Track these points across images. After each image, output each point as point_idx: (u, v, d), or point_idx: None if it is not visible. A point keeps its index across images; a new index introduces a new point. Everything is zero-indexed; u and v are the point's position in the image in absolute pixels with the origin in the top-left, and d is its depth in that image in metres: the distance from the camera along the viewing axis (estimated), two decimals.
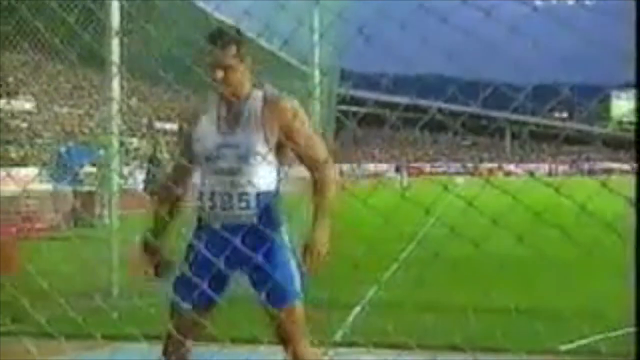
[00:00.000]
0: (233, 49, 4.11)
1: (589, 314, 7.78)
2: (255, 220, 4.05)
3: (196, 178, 4.36)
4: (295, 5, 9.39)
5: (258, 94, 4.17)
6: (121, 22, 9.46)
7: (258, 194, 4.07)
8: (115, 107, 9.82)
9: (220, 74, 4.08)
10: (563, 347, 6.72)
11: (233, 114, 4.15)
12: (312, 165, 4.15)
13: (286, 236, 4.18)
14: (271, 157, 4.09)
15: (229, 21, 4.56)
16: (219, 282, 4.12)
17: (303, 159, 4.17)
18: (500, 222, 3.72)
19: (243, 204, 4.07)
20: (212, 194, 4.12)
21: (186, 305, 4.09)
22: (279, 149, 4.13)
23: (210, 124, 4.19)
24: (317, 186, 4.13)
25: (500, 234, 4.11)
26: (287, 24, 6.82)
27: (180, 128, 4.40)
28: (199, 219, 4.24)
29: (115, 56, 9.29)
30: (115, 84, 9.57)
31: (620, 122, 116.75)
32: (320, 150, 4.18)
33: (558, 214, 3.67)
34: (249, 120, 4.10)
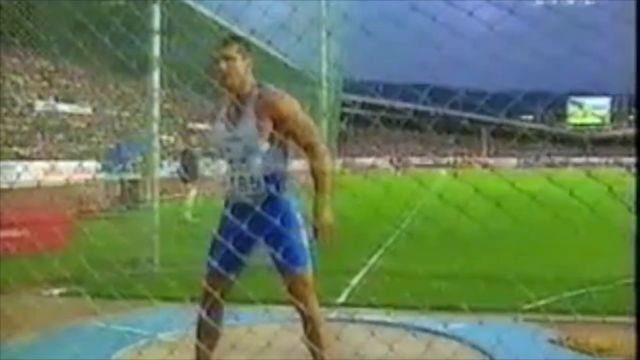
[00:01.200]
0: (236, 46, 4.17)
1: (546, 278, 7.83)
2: (266, 198, 4.10)
3: (222, 167, 4.42)
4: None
5: (256, 92, 4.18)
6: (161, 32, 9.57)
7: (266, 177, 4.11)
8: (156, 111, 9.90)
9: (223, 64, 4.11)
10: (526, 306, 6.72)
11: (236, 111, 4.18)
12: (309, 147, 4.12)
13: (296, 211, 4.19)
14: (267, 146, 4.11)
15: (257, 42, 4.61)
16: (242, 248, 4.16)
17: (300, 142, 4.15)
18: (468, 208, 3.76)
19: (254, 185, 4.12)
20: (232, 179, 4.20)
21: (217, 265, 4.15)
22: (280, 139, 4.13)
23: (221, 122, 4.26)
24: (315, 167, 4.11)
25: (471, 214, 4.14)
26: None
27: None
28: (226, 200, 4.29)
29: (156, 60, 9.40)
30: (157, 88, 9.67)
31: (574, 124, 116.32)
32: (314, 134, 4.17)
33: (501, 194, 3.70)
34: (248, 115, 4.13)
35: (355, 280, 8.24)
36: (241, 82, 4.16)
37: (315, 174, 4.10)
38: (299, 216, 4.19)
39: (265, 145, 4.12)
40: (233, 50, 4.15)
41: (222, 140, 4.23)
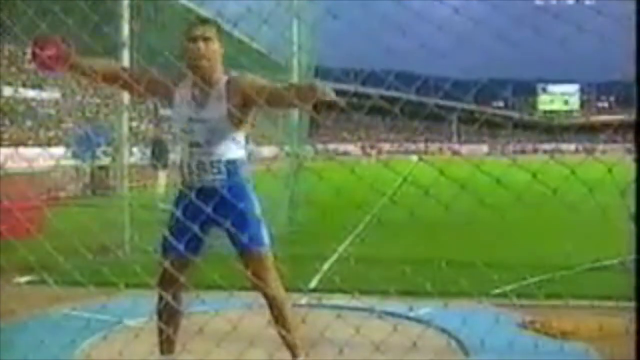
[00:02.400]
0: (213, 28, 4.15)
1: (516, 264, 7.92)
2: (226, 182, 4.11)
3: (176, 153, 4.43)
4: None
5: (224, 78, 4.16)
6: (131, 12, 9.53)
7: (227, 162, 4.12)
8: (125, 97, 9.85)
9: (201, 44, 4.07)
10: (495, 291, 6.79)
11: (203, 94, 4.14)
12: (285, 96, 4.00)
13: (252, 194, 4.22)
14: (233, 131, 4.12)
15: (225, 25, 4.59)
16: (199, 236, 4.16)
17: (277, 102, 4.14)
18: (437, 194, 3.80)
19: (215, 170, 4.13)
20: (189, 163, 4.18)
21: (174, 255, 4.17)
22: (242, 123, 4.14)
23: (184, 100, 4.19)
24: (300, 95, 3.91)
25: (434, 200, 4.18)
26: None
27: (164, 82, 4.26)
28: (183, 182, 4.27)
29: (125, 46, 9.34)
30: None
31: (544, 112, 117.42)
32: (283, 89, 4.06)
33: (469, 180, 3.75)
34: (216, 99, 4.11)
35: (325, 266, 8.27)
36: (214, 64, 4.14)
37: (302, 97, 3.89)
38: (255, 198, 4.22)
39: (231, 130, 4.12)
40: (211, 31, 4.12)
41: (186, 121, 4.17)
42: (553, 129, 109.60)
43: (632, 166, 3.48)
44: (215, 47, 4.13)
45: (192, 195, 4.14)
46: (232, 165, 4.14)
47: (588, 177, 3.53)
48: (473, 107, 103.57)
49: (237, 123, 4.12)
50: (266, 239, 4.21)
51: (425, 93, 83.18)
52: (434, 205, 4.22)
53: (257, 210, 4.21)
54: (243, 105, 4.08)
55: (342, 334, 4.53)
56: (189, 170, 4.19)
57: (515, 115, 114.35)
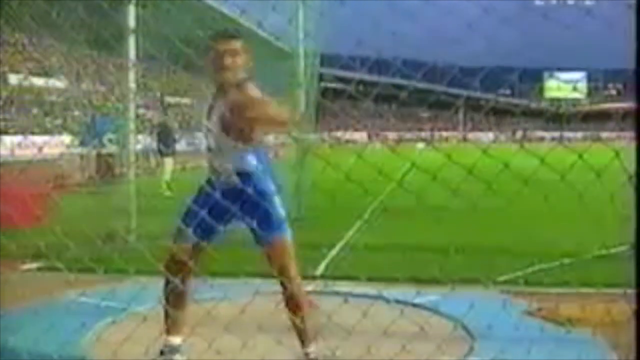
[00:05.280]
0: (239, 42, 4.27)
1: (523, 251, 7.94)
2: (240, 184, 4.17)
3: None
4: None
5: (237, 89, 4.22)
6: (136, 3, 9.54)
7: (236, 171, 4.21)
8: (132, 84, 9.86)
9: (229, 60, 4.18)
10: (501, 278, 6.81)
11: (216, 104, 4.28)
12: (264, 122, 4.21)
13: (269, 182, 4.28)
14: (232, 141, 4.17)
15: (233, 15, 4.62)
16: (217, 219, 4.23)
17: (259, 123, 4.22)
18: (444, 181, 3.82)
19: (227, 174, 4.24)
20: (210, 164, 4.35)
21: (189, 235, 4.24)
22: (242, 135, 4.17)
23: (204, 108, 4.39)
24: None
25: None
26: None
27: None
28: (208, 176, 4.38)
29: (132, 45, 9.36)
30: (133, 62, 9.63)
31: (551, 99, 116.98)
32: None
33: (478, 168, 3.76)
34: (220, 110, 4.22)
35: (333, 253, 8.30)
36: (234, 77, 4.22)
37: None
38: (272, 186, 4.27)
39: (229, 140, 4.19)
40: (238, 45, 4.24)
41: (203, 127, 4.36)
42: (560, 116, 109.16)
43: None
44: (240, 60, 4.23)
45: (215, 186, 4.27)
46: (241, 174, 4.21)
47: (595, 163, 3.55)
48: (479, 94, 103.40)
49: (235, 135, 4.16)
50: (284, 224, 4.27)
51: (432, 80, 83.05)
52: (441, 191, 4.24)
53: (274, 195, 4.26)
54: (235, 118, 4.12)
55: (349, 319, 4.56)
56: (211, 170, 4.35)
57: (522, 102, 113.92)
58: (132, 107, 10.12)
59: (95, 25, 5.16)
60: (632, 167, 3.64)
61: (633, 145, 3.18)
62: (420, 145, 38.94)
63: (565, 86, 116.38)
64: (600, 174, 3.36)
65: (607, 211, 4.51)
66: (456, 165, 3.71)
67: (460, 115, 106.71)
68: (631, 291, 5.73)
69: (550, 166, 3.43)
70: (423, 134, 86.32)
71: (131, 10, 9.49)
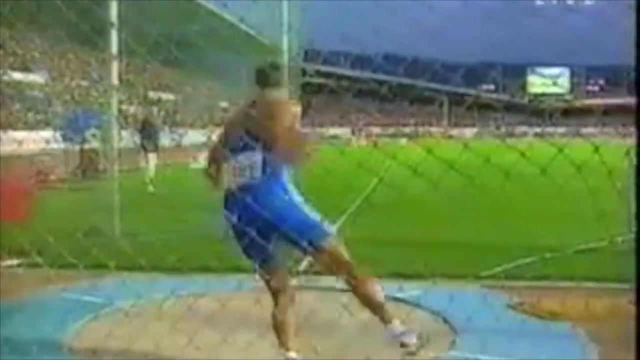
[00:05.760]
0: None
1: (507, 246, 7.97)
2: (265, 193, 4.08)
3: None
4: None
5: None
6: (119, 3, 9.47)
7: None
8: (114, 79, 9.80)
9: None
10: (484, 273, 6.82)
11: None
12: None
13: (294, 191, 4.18)
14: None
15: (214, 7, 4.59)
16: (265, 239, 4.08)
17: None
18: (428, 177, 3.82)
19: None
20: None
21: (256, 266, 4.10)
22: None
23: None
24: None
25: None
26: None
27: None
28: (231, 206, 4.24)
29: (114, 30, 9.30)
30: (115, 58, 9.57)
31: (534, 94, 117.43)
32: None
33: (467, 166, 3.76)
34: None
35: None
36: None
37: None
38: (297, 194, 4.18)
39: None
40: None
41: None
42: (543, 111, 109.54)
43: (622, 148, 3.51)
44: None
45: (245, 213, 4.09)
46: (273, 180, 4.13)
47: (576, 158, 3.56)
48: (463, 89, 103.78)
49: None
50: (324, 228, 4.14)
51: (415, 75, 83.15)
52: (424, 187, 4.24)
53: (302, 202, 4.16)
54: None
55: (331, 314, 4.56)
56: (236, 190, 4.17)
57: (505, 97, 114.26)
58: (114, 102, 10.06)
59: (76, 20, 5.11)
60: (613, 160, 3.67)
61: (614, 140, 3.20)
62: (404, 141, 38.99)
63: (548, 82, 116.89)
64: (580, 169, 3.37)
65: (587, 205, 4.53)
66: (440, 161, 3.71)
67: (445, 110, 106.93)
68: (614, 285, 5.79)
69: (531, 160, 3.44)
70: (407, 130, 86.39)
71: (113, 5, 9.43)
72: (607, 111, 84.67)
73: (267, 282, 4.13)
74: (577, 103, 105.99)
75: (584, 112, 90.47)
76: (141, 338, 4.40)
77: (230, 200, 4.13)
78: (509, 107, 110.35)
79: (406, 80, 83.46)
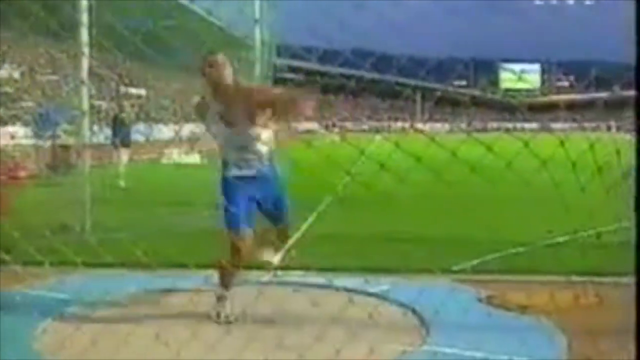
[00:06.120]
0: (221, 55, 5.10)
1: (480, 239, 8.01)
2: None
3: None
4: None
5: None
6: None
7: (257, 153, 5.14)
8: (85, 74, 9.70)
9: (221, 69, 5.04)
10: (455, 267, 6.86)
11: (218, 105, 5.13)
12: None
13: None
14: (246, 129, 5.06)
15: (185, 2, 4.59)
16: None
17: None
18: (399, 171, 3.83)
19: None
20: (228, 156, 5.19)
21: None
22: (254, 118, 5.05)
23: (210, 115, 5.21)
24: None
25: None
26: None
27: None
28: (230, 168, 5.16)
29: (84, 25, 9.21)
30: (86, 53, 9.47)
31: (505, 90, 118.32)
32: None
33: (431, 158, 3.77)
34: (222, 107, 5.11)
35: (288, 244, 8.28)
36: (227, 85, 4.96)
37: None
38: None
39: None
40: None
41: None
42: (514, 107, 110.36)
43: (586, 141, 3.55)
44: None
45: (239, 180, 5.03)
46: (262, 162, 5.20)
47: (542, 152, 3.59)
48: (435, 85, 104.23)
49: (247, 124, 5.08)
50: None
51: (387, 71, 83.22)
52: (395, 182, 4.25)
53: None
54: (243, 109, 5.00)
55: (300, 308, 4.56)
56: (233, 163, 5.13)
57: (477, 93, 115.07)
58: (85, 97, 9.97)
59: (45, 14, 5.05)
60: (577, 153, 3.71)
61: (580, 134, 3.23)
62: (378, 136, 39.10)
63: (519, 77, 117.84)
64: (546, 162, 3.40)
65: (554, 199, 4.56)
66: (408, 155, 3.72)
67: (418, 106, 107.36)
68: (579, 278, 5.85)
69: (499, 155, 3.46)
70: (380, 125, 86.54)
71: (82, 1, 9.32)
72: (576, 106, 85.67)
73: (235, 238, 4.89)
74: (548, 99, 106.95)
75: (555, 108, 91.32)
76: (108, 335, 4.37)
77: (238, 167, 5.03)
78: (481, 103, 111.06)
79: (376, 76, 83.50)
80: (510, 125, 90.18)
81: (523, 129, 79.48)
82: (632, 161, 3.66)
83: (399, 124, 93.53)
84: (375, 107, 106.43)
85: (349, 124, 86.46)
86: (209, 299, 4.73)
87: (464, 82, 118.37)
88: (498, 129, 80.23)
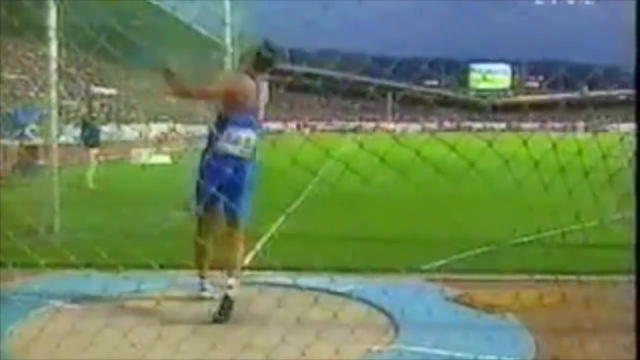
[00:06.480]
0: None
1: (447, 239, 8.06)
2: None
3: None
4: None
5: None
6: None
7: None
8: (54, 74, 9.61)
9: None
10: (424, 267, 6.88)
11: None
12: None
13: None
14: None
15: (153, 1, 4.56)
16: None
17: None
18: (369, 173, 3.83)
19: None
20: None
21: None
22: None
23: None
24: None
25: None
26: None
27: None
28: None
29: (52, 25, 9.11)
30: (54, 53, 9.38)
31: (476, 90, 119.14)
32: None
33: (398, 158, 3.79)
34: None
35: (258, 245, 8.26)
36: None
37: None
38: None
39: None
40: None
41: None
42: (484, 107, 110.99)
43: (550, 140, 3.57)
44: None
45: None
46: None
47: (506, 151, 3.61)
48: (401, 84, 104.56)
49: None
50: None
51: (359, 72, 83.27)
52: (363, 183, 4.25)
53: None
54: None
55: (265, 309, 4.55)
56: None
57: (449, 93, 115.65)
58: (54, 97, 9.86)
59: (11, 14, 5.00)
60: (541, 152, 3.74)
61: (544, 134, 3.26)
62: (349, 137, 39.13)
63: (489, 77, 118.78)
64: (508, 162, 3.43)
65: (519, 199, 4.60)
66: (381, 158, 3.73)
67: (389, 106, 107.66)
68: (542, 277, 5.91)
69: (462, 155, 3.49)
70: (351, 125, 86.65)
71: (51, 7, 9.22)
72: (544, 106, 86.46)
73: (208, 220, 5.33)
74: (516, 99, 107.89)
75: (525, 108, 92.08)
76: (74, 336, 4.32)
77: (224, 158, 5.24)
78: (452, 103, 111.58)
79: (343, 75, 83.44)
80: (480, 125, 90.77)
81: (493, 129, 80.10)
82: (595, 160, 3.71)
83: (371, 125, 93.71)
84: (347, 107, 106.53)
85: (320, 125, 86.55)
86: (175, 299, 4.71)
87: (435, 82, 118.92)
88: (469, 129, 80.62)
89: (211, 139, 5.35)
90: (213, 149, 5.30)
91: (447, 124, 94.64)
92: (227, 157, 5.25)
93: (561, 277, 5.45)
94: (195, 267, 5.48)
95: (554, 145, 3.57)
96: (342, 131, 69.66)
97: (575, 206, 4.41)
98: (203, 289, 5.49)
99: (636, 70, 2.65)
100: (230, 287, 5.08)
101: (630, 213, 2.82)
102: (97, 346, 4.30)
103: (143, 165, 20.45)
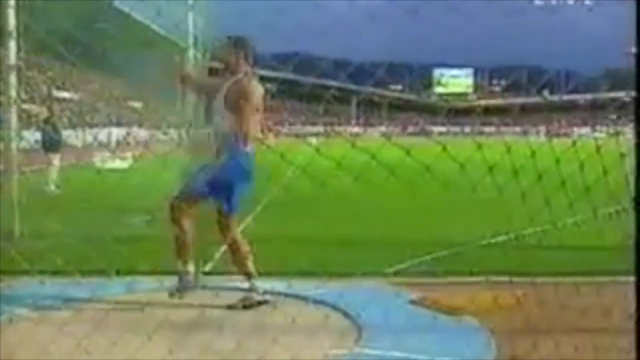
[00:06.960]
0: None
1: (407, 242, 8.09)
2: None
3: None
4: None
5: None
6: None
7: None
8: (13, 76, 9.46)
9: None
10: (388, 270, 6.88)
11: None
12: None
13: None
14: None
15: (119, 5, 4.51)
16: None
17: None
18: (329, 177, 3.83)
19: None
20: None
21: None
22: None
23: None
24: None
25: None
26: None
27: None
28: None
29: (11, 29, 8.98)
30: (13, 56, 9.25)
31: (440, 94, 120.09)
32: None
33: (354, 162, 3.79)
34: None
35: (221, 250, 8.20)
36: None
37: None
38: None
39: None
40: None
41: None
42: (445, 111, 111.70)
43: (510, 145, 3.60)
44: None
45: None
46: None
47: (460, 155, 3.63)
48: (370, 89, 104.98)
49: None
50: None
51: (322, 76, 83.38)
52: (322, 188, 4.24)
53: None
54: None
55: (224, 313, 4.51)
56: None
57: (412, 97, 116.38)
58: (12, 100, 9.71)
59: None
60: (495, 157, 3.77)
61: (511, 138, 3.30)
62: (314, 140, 39.18)
63: (452, 82, 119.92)
64: (463, 166, 3.45)
65: (479, 202, 4.64)
66: (337, 162, 3.72)
67: (353, 110, 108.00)
68: (500, 278, 5.95)
69: (415, 158, 3.49)
70: (315, 129, 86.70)
71: (10, 13, 9.08)
72: (505, 110, 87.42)
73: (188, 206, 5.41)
74: (477, 103, 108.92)
75: (488, 112, 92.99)
76: (27, 344, 4.24)
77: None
78: (414, 107, 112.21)
79: (300, 78, 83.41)
80: (443, 129, 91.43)
81: (455, 133, 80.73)
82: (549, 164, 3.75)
83: (334, 129, 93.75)
84: (310, 111, 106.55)
85: (284, 129, 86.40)
86: (132, 305, 4.65)
87: (399, 87, 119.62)
88: (430, 133, 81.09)
89: (236, 137, 5.44)
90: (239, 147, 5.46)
91: (410, 128, 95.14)
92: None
93: (516, 279, 5.51)
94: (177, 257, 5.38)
95: (509, 149, 3.60)
96: (305, 135, 69.46)
97: (527, 209, 4.45)
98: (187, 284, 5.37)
99: (636, 70, 2.67)
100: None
101: (583, 217, 2.85)
102: (52, 354, 4.22)
103: (99, 171, 20.23)
